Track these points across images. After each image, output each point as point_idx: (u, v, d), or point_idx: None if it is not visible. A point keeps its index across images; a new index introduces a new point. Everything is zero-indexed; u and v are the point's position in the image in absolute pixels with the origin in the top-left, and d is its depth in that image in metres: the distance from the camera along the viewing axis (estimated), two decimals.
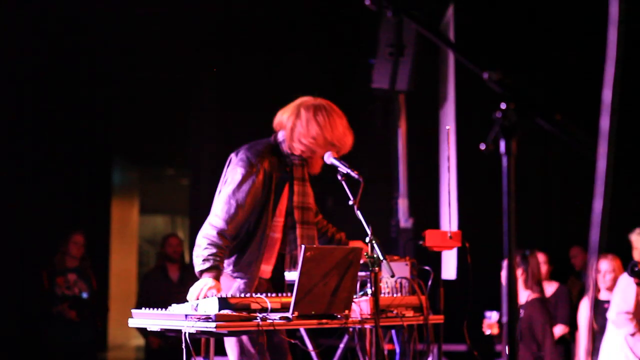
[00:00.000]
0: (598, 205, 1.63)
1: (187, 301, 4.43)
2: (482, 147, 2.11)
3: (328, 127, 4.84)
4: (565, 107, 9.01)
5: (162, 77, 11.80)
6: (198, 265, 4.59)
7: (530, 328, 7.31)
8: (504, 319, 2.12)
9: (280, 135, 4.93)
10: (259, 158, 4.83)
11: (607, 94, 1.66)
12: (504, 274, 7.86)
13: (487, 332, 7.53)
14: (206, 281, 4.52)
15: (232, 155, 4.90)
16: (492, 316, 7.57)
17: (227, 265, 4.81)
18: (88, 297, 9.06)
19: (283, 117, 4.93)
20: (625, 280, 6.77)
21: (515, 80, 2.13)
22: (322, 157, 4.88)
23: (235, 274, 4.82)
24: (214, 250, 4.60)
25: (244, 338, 4.70)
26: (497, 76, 2.13)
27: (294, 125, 4.85)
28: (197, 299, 4.43)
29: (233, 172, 4.81)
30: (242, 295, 4.50)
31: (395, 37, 8.70)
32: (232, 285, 4.79)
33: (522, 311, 7.41)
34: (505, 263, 2.12)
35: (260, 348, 4.68)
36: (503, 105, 2.10)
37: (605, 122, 1.67)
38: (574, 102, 9.02)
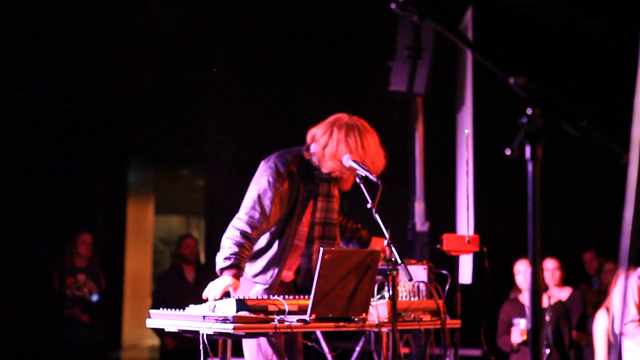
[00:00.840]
0: (629, 213, 1.62)
1: (204, 301, 4.43)
2: (508, 152, 2.10)
3: (360, 149, 4.80)
4: (595, 115, 9.00)
5: (178, 77, 11.81)
6: (220, 263, 4.60)
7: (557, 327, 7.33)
8: (529, 325, 2.12)
9: (313, 148, 4.90)
10: (287, 167, 4.83)
11: (638, 102, 1.65)
12: (518, 279, 7.85)
13: (516, 340, 7.53)
14: (225, 279, 4.53)
15: (262, 162, 4.91)
16: (520, 323, 7.55)
17: (248, 269, 4.82)
18: (98, 299, 9.07)
19: (317, 132, 4.89)
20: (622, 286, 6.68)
21: (541, 85, 2.12)
22: (354, 176, 4.85)
23: (255, 279, 4.84)
24: (236, 250, 4.62)
25: (262, 340, 4.71)
26: (523, 81, 2.12)
27: (326, 144, 4.81)
28: (214, 296, 4.44)
29: (260, 179, 4.82)
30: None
31: (414, 40, 8.69)
32: (251, 290, 4.80)
33: (547, 315, 7.40)
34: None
35: (277, 350, 4.68)
36: (529, 111, 2.09)
37: (637, 130, 1.66)
38: (604, 110, 8.99)
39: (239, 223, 4.72)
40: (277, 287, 4.82)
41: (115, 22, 10.17)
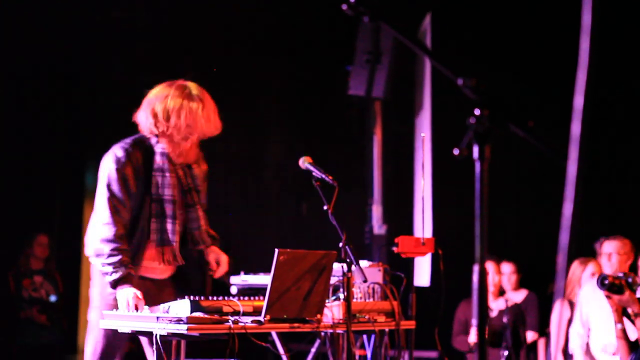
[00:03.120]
0: (568, 209, 1.65)
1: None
2: (456, 152, 2.13)
3: (185, 112, 4.73)
4: (539, 114, 9.09)
5: (138, 80, 11.73)
6: (108, 275, 4.55)
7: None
8: (473, 322, 2.15)
9: (149, 126, 4.78)
10: (126, 152, 4.73)
11: (578, 101, 1.68)
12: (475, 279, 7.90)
13: (475, 339, 7.60)
14: (126, 292, 4.48)
15: (104, 157, 4.79)
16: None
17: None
18: (56, 300, 8.99)
19: (142, 113, 4.83)
20: (594, 296, 6.65)
21: (490, 87, 2.15)
22: (195, 146, 4.81)
23: None
24: (117, 258, 4.55)
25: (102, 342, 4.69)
26: (472, 82, 2.15)
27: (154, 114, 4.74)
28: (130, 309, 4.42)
29: (104, 173, 4.71)
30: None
31: (372, 44, 8.73)
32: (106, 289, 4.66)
33: (505, 318, 7.45)
34: (476, 268, 2.14)
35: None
36: (477, 111, 2.12)
37: (576, 128, 1.70)
38: (547, 109, 9.08)
39: (104, 225, 4.61)
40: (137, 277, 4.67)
41: (78, 21, 10.10)
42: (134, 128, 12.39)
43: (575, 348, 6.80)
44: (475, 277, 2.07)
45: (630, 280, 5.45)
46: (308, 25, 10.12)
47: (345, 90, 8.93)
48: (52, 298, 8.96)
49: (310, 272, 4.45)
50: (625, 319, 5.65)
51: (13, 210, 10.14)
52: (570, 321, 7.09)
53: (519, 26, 9.73)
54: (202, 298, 4.37)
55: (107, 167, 4.70)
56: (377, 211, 9.22)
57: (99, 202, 4.69)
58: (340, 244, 4.51)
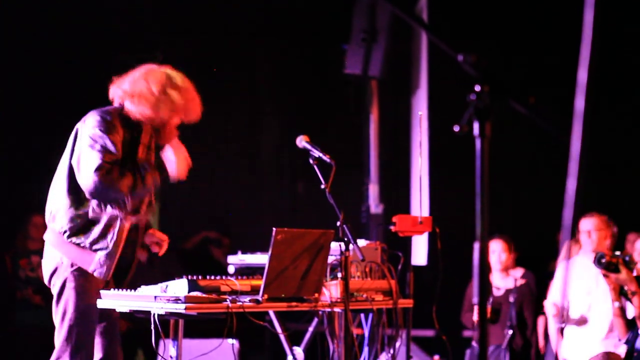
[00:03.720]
0: (571, 185, 1.64)
1: (156, 282, 4.41)
2: (456, 128, 2.11)
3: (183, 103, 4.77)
4: (542, 89, 9.05)
5: (132, 64, 11.67)
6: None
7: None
8: (475, 300, 2.14)
9: (130, 102, 4.72)
10: (112, 117, 4.66)
11: (582, 75, 1.67)
12: (492, 259, 7.91)
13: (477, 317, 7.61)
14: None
15: (80, 123, 4.73)
16: None
17: (85, 240, 4.60)
18: None
19: (130, 86, 4.73)
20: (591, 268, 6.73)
21: (490, 63, 2.13)
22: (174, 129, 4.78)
23: (95, 246, 4.60)
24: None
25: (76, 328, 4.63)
26: (472, 59, 2.13)
27: (140, 95, 4.69)
28: None
29: (89, 133, 4.59)
30: (104, 268, 4.49)
31: (369, 23, 8.69)
32: (92, 259, 4.58)
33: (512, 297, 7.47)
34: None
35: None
36: (477, 88, 2.11)
37: (580, 103, 1.68)
38: (550, 84, 9.06)
39: (99, 171, 4.48)
40: (121, 250, 4.62)
41: (75, 10, 10.04)
42: None
43: (549, 316, 6.94)
44: (476, 255, 2.06)
45: (627, 258, 5.45)
46: (304, 4, 10.07)
47: (342, 69, 8.90)
48: None
49: (308, 251, 4.45)
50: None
51: (8, 190, 10.11)
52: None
53: (516, 3, 9.70)
54: (200, 277, 4.36)
55: (91, 126, 4.61)
56: (373, 190, 9.20)
57: (88, 154, 4.53)
58: (338, 223, 4.50)
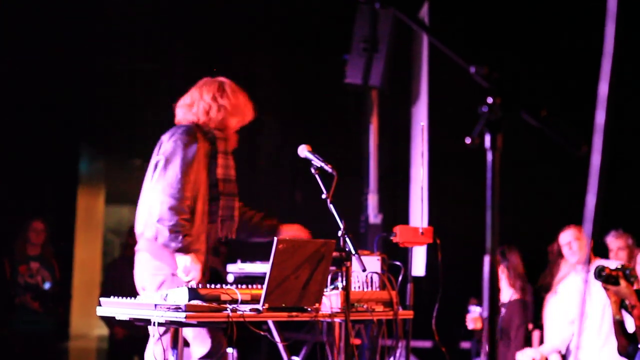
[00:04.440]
0: (591, 200, 1.63)
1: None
2: (468, 140, 2.09)
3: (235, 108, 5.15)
4: (558, 102, 9.02)
5: (132, 66, 11.69)
6: (174, 241, 4.74)
7: (507, 327, 7.34)
8: (484, 314, 2.12)
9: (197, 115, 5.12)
10: (192, 132, 5.02)
11: (603, 88, 1.65)
12: (486, 269, 7.84)
13: (471, 326, 7.55)
14: (189, 259, 4.71)
15: (163, 137, 5.07)
16: (475, 310, 7.59)
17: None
18: (51, 287, 8.94)
19: (197, 100, 5.17)
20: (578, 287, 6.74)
21: (502, 75, 2.12)
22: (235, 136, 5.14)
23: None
24: (182, 227, 4.78)
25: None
26: (484, 70, 2.12)
27: (208, 108, 5.11)
28: (195, 278, 4.67)
29: (174, 150, 4.94)
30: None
31: (370, 33, 8.69)
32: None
33: (503, 310, 7.42)
34: (487, 259, 2.11)
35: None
36: (489, 100, 2.09)
37: (600, 117, 1.67)
38: (567, 97, 9.04)
39: (173, 203, 4.80)
40: (205, 255, 4.90)
41: (68, 9, 10.04)
42: (127, 114, 12.35)
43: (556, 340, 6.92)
44: (485, 268, 2.04)
45: (627, 272, 5.43)
46: (305, 13, 10.07)
47: (342, 79, 8.90)
48: (47, 285, 8.91)
49: (309, 261, 4.43)
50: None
51: (14, 197, 10.10)
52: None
53: (517, 12, 9.70)
54: (200, 286, 4.35)
55: (176, 144, 4.94)
56: (372, 200, 9.19)
57: (167, 176, 4.88)
58: (340, 233, 4.49)
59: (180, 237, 4.74)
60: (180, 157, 4.89)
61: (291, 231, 5.19)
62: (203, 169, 4.97)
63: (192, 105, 5.12)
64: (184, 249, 4.73)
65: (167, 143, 4.96)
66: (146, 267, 4.91)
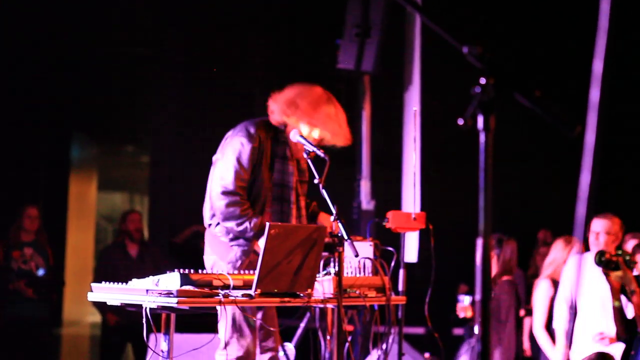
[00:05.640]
0: (585, 179, 1.60)
1: (147, 276, 4.37)
2: (460, 122, 2.07)
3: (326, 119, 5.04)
4: (552, 80, 8.98)
5: (124, 53, 11.65)
6: (247, 232, 4.80)
7: (496, 308, 7.32)
8: (477, 297, 2.10)
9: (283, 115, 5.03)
10: (256, 129, 4.98)
11: (597, 66, 1.63)
12: (479, 253, 7.81)
13: (461, 314, 7.56)
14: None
15: (231, 131, 5.06)
16: (464, 300, 7.60)
17: (225, 234, 4.90)
18: (44, 274, 8.91)
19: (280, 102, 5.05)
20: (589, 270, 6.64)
21: (495, 55, 2.10)
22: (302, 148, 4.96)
23: (232, 243, 4.91)
24: (250, 213, 4.83)
25: (238, 315, 4.70)
26: (477, 50, 2.09)
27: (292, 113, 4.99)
28: None
29: (234, 145, 4.93)
30: (240, 262, 4.75)
31: (362, 18, 8.65)
32: (229, 253, 4.90)
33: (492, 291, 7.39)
34: (480, 242, 2.08)
35: (251, 326, 4.72)
36: (482, 80, 2.07)
37: (595, 94, 1.64)
38: (560, 75, 9.02)
39: (230, 195, 4.82)
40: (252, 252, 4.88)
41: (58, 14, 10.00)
42: (119, 101, 12.32)
43: (558, 328, 6.83)
44: (479, 252, 2.02)
45: (627, 257, 5.41)
46: None
47: (335, 64, 8.87)
48: (40, 272, 8.87)
49: (301, 247, 4.41)
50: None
51: (6, 183, 10.07)
52: (553, 299, 7.09)
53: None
54: (192, 271, 4.33)
55: (238, 140, 4.92)
56: (365, 186, 9.17)
57: (225, 172, 4.88)
58: (332, 218, 4.47)
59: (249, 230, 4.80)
60: (235, 155, 4.91)
61: (326, 221, 5.13)
62: (262, 169, 4.96)
63: (294, 107, 5.03)
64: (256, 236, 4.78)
65: (231, 138, 5.01)
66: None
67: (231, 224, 4.81)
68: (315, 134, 4.97)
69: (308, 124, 4.94)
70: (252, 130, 4.94)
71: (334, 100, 5.12)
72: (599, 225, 6.61)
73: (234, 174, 4.83)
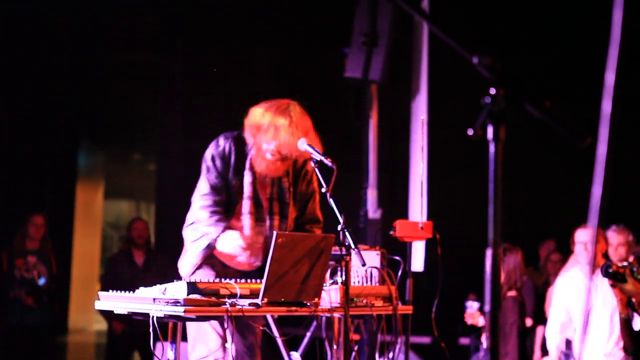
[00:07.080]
0: (597, 191, 1.59)
1: (155, 285, 4.36)
2: (470, 132, 2.06)
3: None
4: (563, 92, 8.95)
5: (130, 61, 11.67)
6: (211, 235, 4.75)
7: (502, 325, 7.30)
8: (487, 308, 2.09)
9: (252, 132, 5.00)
10: (227, 141, 4.97)
11: (609, 77, 1.62)
12: (488, 263, 7.79)
13: (469, 321, 7.53)
14: (230, 236, 4.68)
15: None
16: (472, 306, 7.57)
17: (192, 237, 4.89)
18: (45, 283, 8.90)
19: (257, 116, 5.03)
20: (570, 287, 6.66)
21: (505, 65, 2.09)
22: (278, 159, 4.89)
23: (194, 243, 4.89)
24: (219, 217, 4.79)
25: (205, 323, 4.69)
26: (487, 61, 2.08)
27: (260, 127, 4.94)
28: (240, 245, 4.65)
29: (205, 156, 4.94)
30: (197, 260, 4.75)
31: (370, 27, 8.66)
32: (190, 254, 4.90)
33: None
34: (489, 252, 2.07)
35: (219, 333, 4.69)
36: (492, 91, 2.06)
37: (607, 106, 1.63)
38: (571, 86, 9.00)
39: (202, 199, 4.83)
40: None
41: (68, 2, 10.01)
42: (126, 108, 12.33)
43: (550, 343, 6.87)
44: (488, 262, 2.01)
45: (635, 269, 5.38)
46: (305, 7, 10.04)
47: (342, 73, 8.87)
48: (41, 281, 8.86)
49: (309, 256, 4.40)
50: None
51: (13, 190, 10.08)
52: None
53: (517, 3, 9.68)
54: (199, 280, 4.32)
55: (208, 151, 4.94)
56: (372, 195, 9.16)
57: (200, 181, 4.91)
58: (339, 227, 4.46)
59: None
60: (205, 165, 4.93)
61: None
62: (232, 176, 4.92)
63: (250, 127, 5.02)
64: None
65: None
66: None
67: (199, 225, 4.80)
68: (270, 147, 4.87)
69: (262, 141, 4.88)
70: (220, 142, 4.96)
71: (291, 109, 5.06)
72: (584, 235, 6.60)
73: (208, 186, 4.85)
